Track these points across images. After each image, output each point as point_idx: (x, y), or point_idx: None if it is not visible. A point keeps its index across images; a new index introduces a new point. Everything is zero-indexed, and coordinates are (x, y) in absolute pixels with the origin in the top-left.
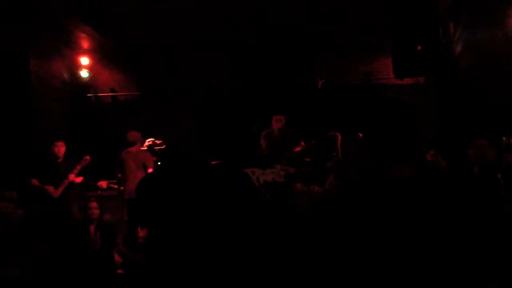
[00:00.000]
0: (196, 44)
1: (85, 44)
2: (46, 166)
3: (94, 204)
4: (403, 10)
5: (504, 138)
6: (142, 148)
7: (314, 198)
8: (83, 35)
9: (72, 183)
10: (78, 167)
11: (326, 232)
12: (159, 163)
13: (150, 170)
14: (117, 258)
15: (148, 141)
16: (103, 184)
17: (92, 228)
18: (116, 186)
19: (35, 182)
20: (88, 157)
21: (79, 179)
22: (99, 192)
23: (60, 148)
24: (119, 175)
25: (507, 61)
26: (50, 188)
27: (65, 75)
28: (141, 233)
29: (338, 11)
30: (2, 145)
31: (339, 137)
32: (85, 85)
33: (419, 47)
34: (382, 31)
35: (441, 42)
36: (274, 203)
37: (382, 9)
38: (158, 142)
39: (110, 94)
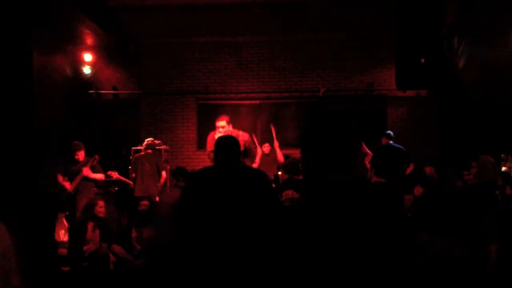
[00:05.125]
0: (199, 44)
1: (89, 40)
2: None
3: (102, 203)
4: (408, 22)
5: (502, 155)
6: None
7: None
8: (87, 31)
9: (86, 178)
10: (90, 163)
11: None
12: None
13: (163, 172)
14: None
15: (147, 141)
16: (113, 174)
17: (90, 225)
18: (123, 178)
19: (59, 178)
20: (97, 156)
21: (98, 176)
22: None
23: (80, 156)
24: (133, 175)
25: (509, 77)
26: (67, 184)
27: (68, 71)
28: (134, 233)
29: (342, 20)
30: (3, 139)
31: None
32: (87, 82)
33: (422, 60)
34: (386, 42)
35: (444, 55)
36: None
37: (386, 20)
38: (157, 142)
39: (112, 92)
